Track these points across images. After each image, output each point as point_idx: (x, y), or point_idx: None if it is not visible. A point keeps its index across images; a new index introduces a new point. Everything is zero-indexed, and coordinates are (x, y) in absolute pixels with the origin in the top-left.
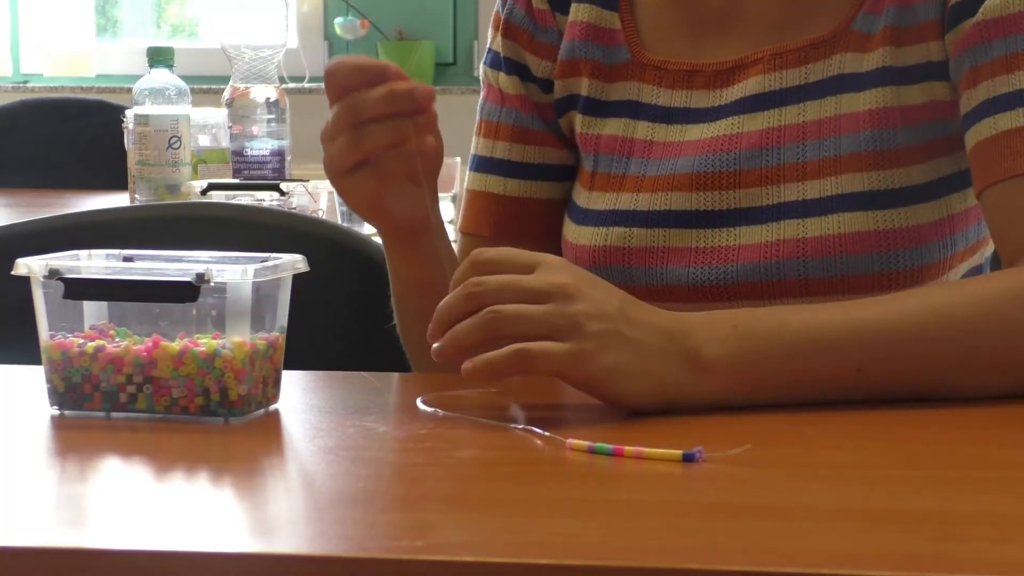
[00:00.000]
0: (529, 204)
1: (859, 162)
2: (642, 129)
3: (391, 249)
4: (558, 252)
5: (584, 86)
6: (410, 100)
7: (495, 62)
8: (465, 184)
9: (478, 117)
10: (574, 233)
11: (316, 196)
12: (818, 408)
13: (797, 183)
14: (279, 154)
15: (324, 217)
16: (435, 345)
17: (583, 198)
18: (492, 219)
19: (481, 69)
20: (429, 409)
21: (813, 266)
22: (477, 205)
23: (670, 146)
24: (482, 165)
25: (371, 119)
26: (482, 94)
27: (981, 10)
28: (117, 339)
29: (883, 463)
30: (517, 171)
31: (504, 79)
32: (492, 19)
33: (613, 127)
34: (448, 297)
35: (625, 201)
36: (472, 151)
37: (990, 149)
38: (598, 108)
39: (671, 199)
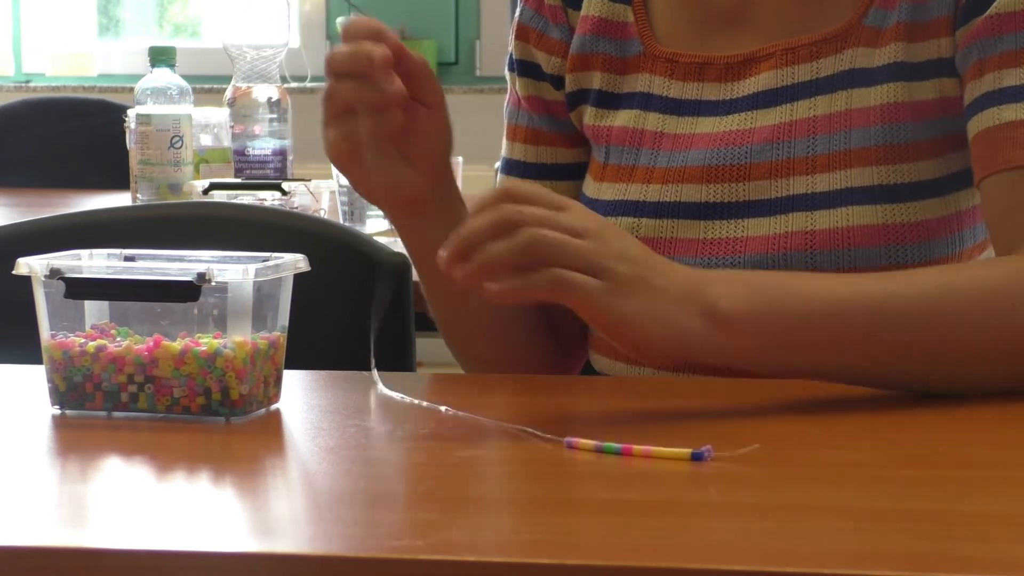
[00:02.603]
0: None
1: (869, 156)
2: (653, 121)
3: (394, 224)
4: None
5: (596, 80)
6: (366, 61)
7: (511, 65)
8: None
9: (504, 120)
10: None
11: (318, 196)
12: (821, 408)
13: (806, 176)
14: (281, 154)
15: (326, 217)
16: (459, 265)
17: (592, 189)
18: None
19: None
20: (395, 395)
21: (821, 259)
22: None
23: (681, 138)
24: (504, 167)
25: (338, 74)
26: (506, 97)
27: (994, 5)
28: (118, 339)
29: (884, 463)
30: (533, 172)
31: (518, 81)
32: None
33: (624, 118)
34: (477, 218)
35: (634, 192)
36: (501, 154)
37: (993, 138)
38: (610, 100)
39: (680, 191)
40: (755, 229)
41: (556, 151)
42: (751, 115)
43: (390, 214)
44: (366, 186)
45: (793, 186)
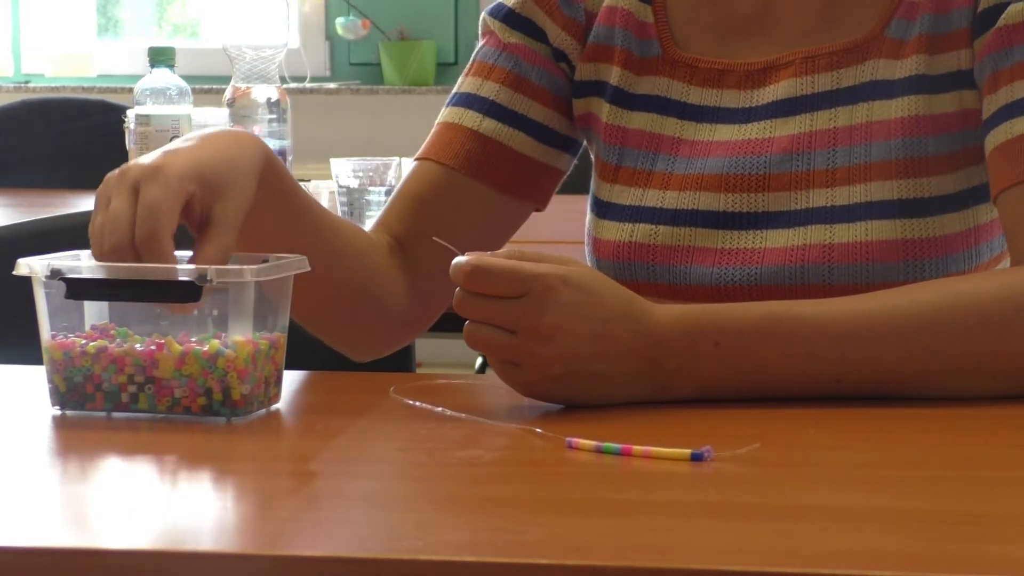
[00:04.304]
0: (500, 148)
1: (889, 170)
2: (670, 126)
3: None
4: (513, 204)
5: (614, 75)
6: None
7: (508, 17)
8: (438, 119)
9: (471, 61)
10: (597, 227)
11: (317, 196)
12: (821, 407)
13: (826, 189)
14: (280, 154)
15: None
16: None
17: (605, 191)
18: (458, 151)
19: (481, 19)
20: (405, 399)
21: (838, 272)
22: (447, 136)
23: (699, 145)
24: (463, 101)
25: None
26: (480, 43)
27: (1003, 16)
28: (118, 339)
29: (884, 463)
30: (499, 113)
31: (511, 33)
32: None
33: (640, 121)
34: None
35: (652, 198)
36: (455, 91)
37: (1007, 153)
38: (625, 100)
39: (699, 199)
40: (773, 240)
41: (532, 104)
42: (771, 124)
43: None
44: None
45: (813, 198)
